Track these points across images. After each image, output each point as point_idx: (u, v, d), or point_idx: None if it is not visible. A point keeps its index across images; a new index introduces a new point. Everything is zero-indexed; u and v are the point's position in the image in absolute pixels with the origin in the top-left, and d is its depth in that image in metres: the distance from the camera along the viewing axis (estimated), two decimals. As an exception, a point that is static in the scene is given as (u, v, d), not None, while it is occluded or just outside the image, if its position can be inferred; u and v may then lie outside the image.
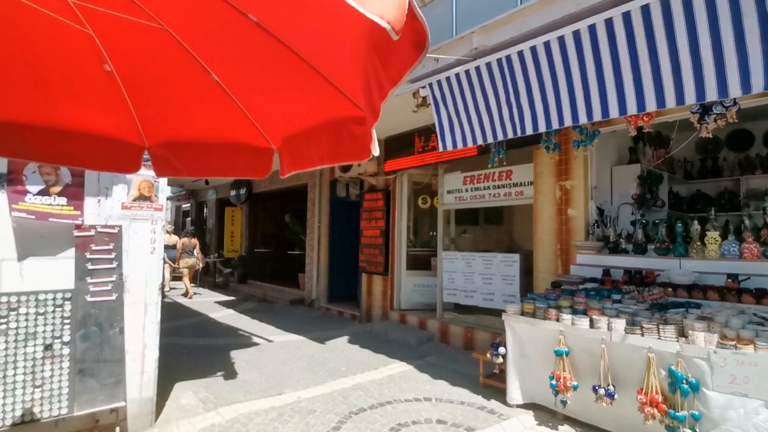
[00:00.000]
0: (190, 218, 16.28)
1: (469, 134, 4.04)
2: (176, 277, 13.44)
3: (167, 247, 12.00)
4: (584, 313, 3.48)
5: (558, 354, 3.43)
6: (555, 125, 3.44)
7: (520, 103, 3.60)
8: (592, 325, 3.38)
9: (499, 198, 5.87)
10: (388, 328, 6.71)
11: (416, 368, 5.00)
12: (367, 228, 7.75)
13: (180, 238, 11.10)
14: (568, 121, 3.36)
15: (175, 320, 7.65)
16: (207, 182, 12.96)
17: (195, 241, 11.18)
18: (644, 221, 4.53)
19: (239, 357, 5.40)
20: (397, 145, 7.15)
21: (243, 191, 12.11)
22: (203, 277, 12.55)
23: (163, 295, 11.40)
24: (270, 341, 6.31)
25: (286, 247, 11.25)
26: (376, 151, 1.37)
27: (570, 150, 4.87)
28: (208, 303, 9.62)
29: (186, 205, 17.29)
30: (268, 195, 12.14)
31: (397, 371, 4.92)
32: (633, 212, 4.84)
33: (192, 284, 10.55)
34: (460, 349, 5.79)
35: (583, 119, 3.27)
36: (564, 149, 4.94)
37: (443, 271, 6.49)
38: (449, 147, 4.21)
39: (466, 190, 6.28)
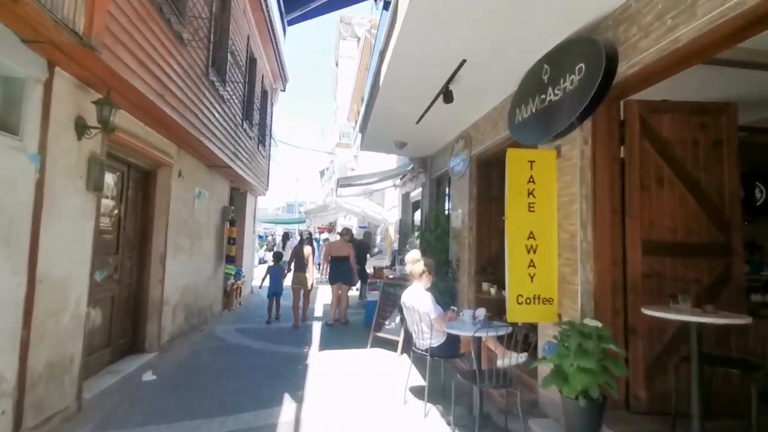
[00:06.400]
0: (420, 210, 8.48)
1: None
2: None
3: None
4: None
5: None
6: None
7: None
8: None
9: None
10: None
11: None
12: None
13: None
14: None
15: None
16: (449, 96, 4.57)
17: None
18: None
19: None
20: None
21: (582, 71, 3.17)
22: (452, 363, 4.25)
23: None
24: None
25: None
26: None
27: None
28: None
29: (415, 192, 9.75)
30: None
31: None
32: None
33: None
34: None
35: None
36: None
37: None
38: None
39: None
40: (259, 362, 5.29)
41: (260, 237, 25.04)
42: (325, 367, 5.18)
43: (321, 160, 37.09)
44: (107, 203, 4.45)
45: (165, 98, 4.18)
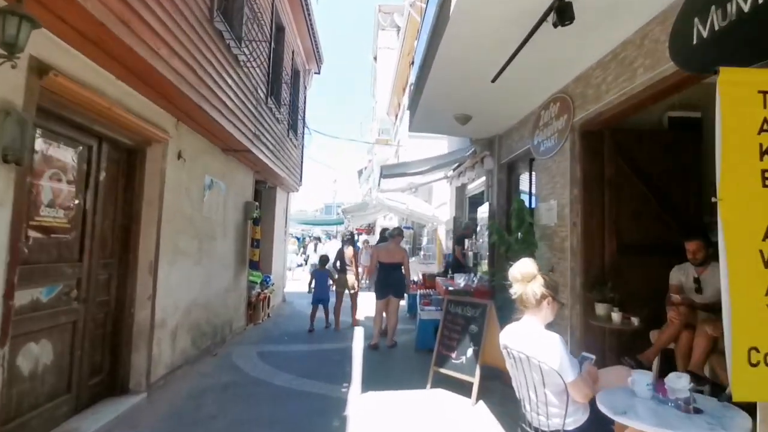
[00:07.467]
0: (489, 203, 6.73)
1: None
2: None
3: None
4: None
5: None
6: None
7: None
8: None
9: None
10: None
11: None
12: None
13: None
14: None
15: None
16: (565, 12, 2.91)
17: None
18: None
19: None
20: None
21: None
22: None
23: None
24: None
25: None
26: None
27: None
28: None
29: (475, 183, 8.03)
30: None
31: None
32: None
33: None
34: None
35: None
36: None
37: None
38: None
39: None
40: (281, 412, 3.79)
41: (298, 239, 23.95)
42: (371, 422, 3.61)
43: (359, 160, 35.79)
44: (60, 188, 3.09)
45: (131, 27, 2.75)
